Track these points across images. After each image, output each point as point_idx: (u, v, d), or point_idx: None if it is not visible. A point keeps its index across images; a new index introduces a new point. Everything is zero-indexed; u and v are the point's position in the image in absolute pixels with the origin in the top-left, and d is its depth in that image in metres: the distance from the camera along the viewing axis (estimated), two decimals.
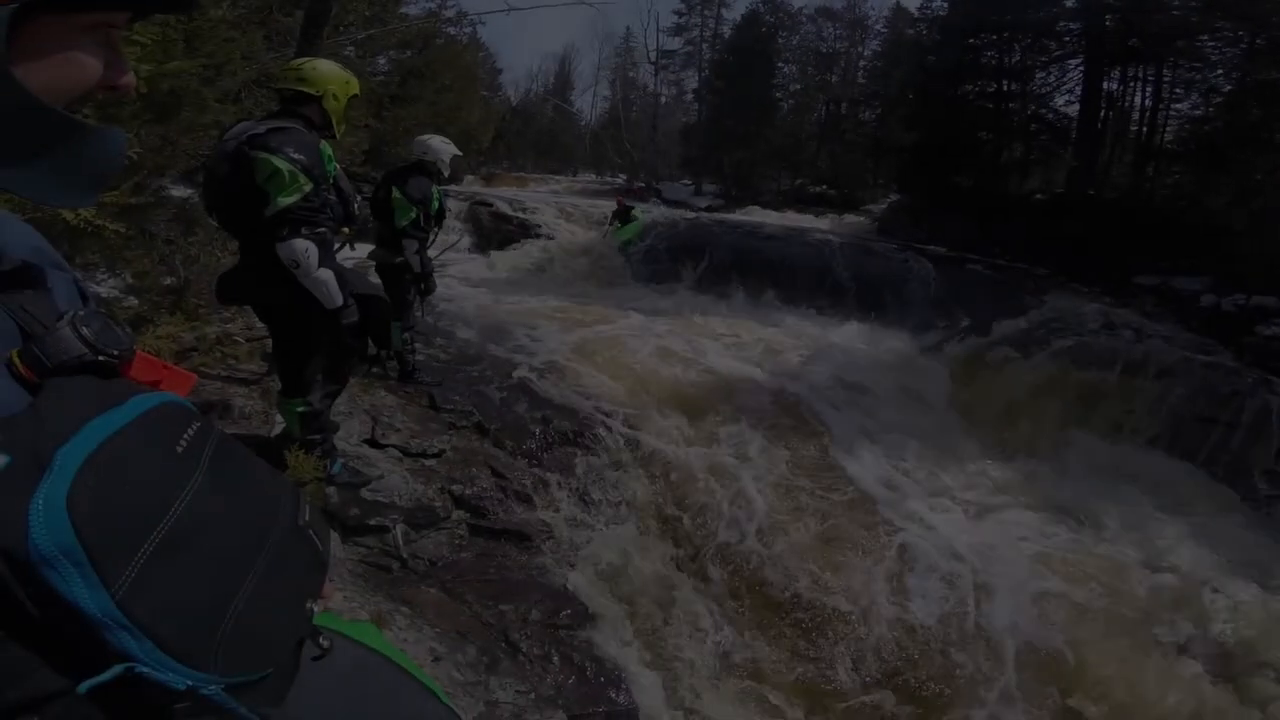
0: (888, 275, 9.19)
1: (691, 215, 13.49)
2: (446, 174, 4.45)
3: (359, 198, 2.94)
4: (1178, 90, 12.88)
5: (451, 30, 16.25)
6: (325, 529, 0.78)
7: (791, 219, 14.76)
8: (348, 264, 3.04)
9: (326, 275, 2.45)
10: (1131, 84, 13.79)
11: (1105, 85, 13.53)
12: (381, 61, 12.46)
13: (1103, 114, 13.72)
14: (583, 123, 37.59)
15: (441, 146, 4.33)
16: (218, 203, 2.55)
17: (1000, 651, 3.68)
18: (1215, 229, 9.03)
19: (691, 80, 29.99)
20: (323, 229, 2.43)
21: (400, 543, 3.29)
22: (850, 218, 15.64)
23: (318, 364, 2.75)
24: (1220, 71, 11.79)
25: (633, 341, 6.78)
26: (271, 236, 2.38)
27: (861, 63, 25.73)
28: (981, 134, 14.35)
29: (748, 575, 4.01)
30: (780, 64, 24.22)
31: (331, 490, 3.16)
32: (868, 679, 3.53)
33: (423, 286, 4.49)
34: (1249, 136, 9.83)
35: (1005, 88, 14.29)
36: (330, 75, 2.56)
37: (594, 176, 30.79)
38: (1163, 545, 4.82)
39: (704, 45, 27.93)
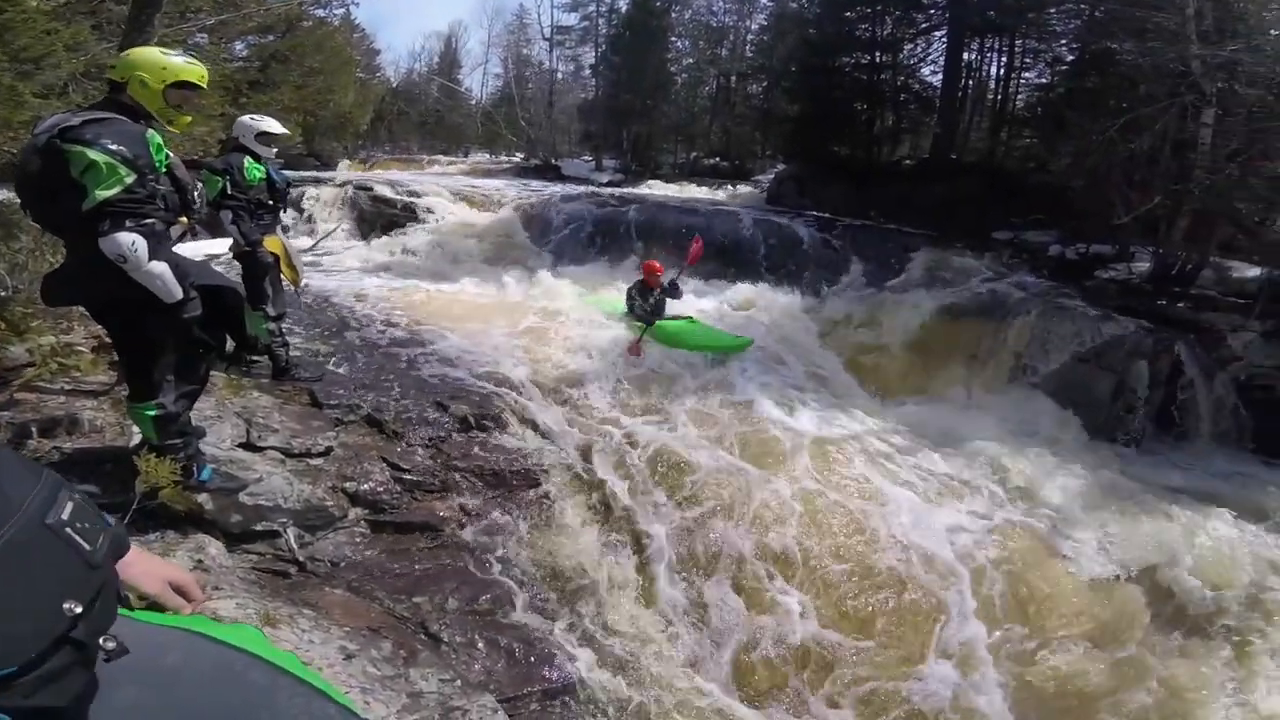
0: (778, 240, 9.58)
1: (592, 191, 13.39)
2: (262, 150, 4.23)
3: (198, 186, 2.77)
4: (1027, 60, 14.06)
5: (320, 12, 15.34)
6: (97, 527, 0.76)
7: (690, 191, 15.03)
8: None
9: (160, 268, 2.32)
10: (988, 55, 14.91)
11: (965, 56, 14.51)
12: (239, 47, 11.66)
13: (963, 83, 14.73)
14: (473, 101, 36.40)
15: (249, 123, 4.23)
16: (31, 199, 2.41)
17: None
18: (1059, 188, 10.00)
19: (588, 56, 29.62)
20: (151, 220, 2.30)
21: (294, 546, 3.17)
22: (743, 188, 16.12)
23: (166, 364, 2.59)
24: (1064, 42, 12.93)
25: (532, 321, 6.76)
26: (94, 231, 2.22)
27: (750, 36, 26.24)
28: (857, 105, 15.04)
29: (677, 538, 4.11)
30: (674, 38, 24.37)
31: (204, 497, 3.00)
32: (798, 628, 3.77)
33: (282, 273, 4.33)
34: (1087, 102, 10.86)
35: (878, 59, 15.00)
36: (140, 61, 2.44)
37: (487, 156, 30.03)
38: (1030, 475, 5.37)
39: (600, 20, 27.60)
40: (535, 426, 4.71)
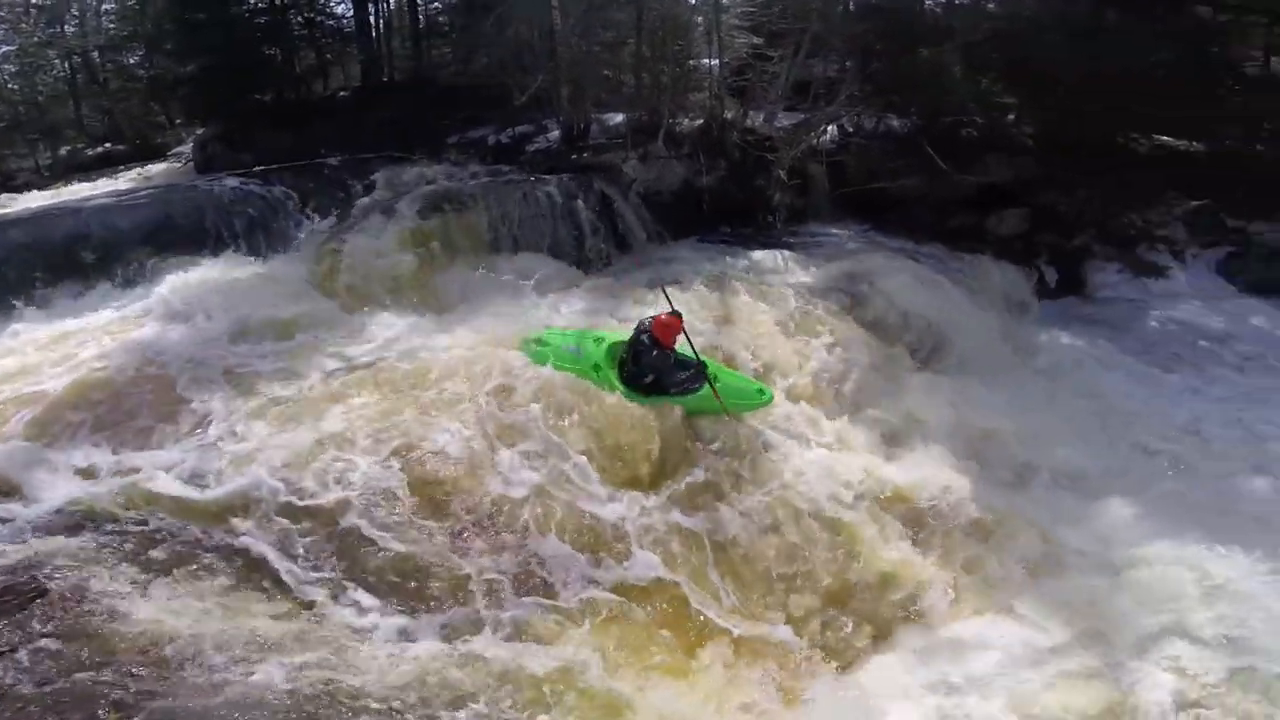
0: (211, 208, 8.32)
1: None
2: None
3: None
4: None
5: None
6: None
7: (78, 191, 11.67)
8: None
9: None
10: None
11: None
12: None
13: (375, 9, 14.87)
14: None
15: None
16: None
17: None
18: (478, 85, 11.22)
19: None
20: None
21: None
22: (156, 166, 13.54)
23: None
24: None
25: None
26: None
27: (106, 7, 21.11)
28: (267, 49, 13.87)
29: None
30: None
31: None
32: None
33: None
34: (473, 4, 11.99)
35: (279, 2, 13.94)
36: None
37: None
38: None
39: None
40: None
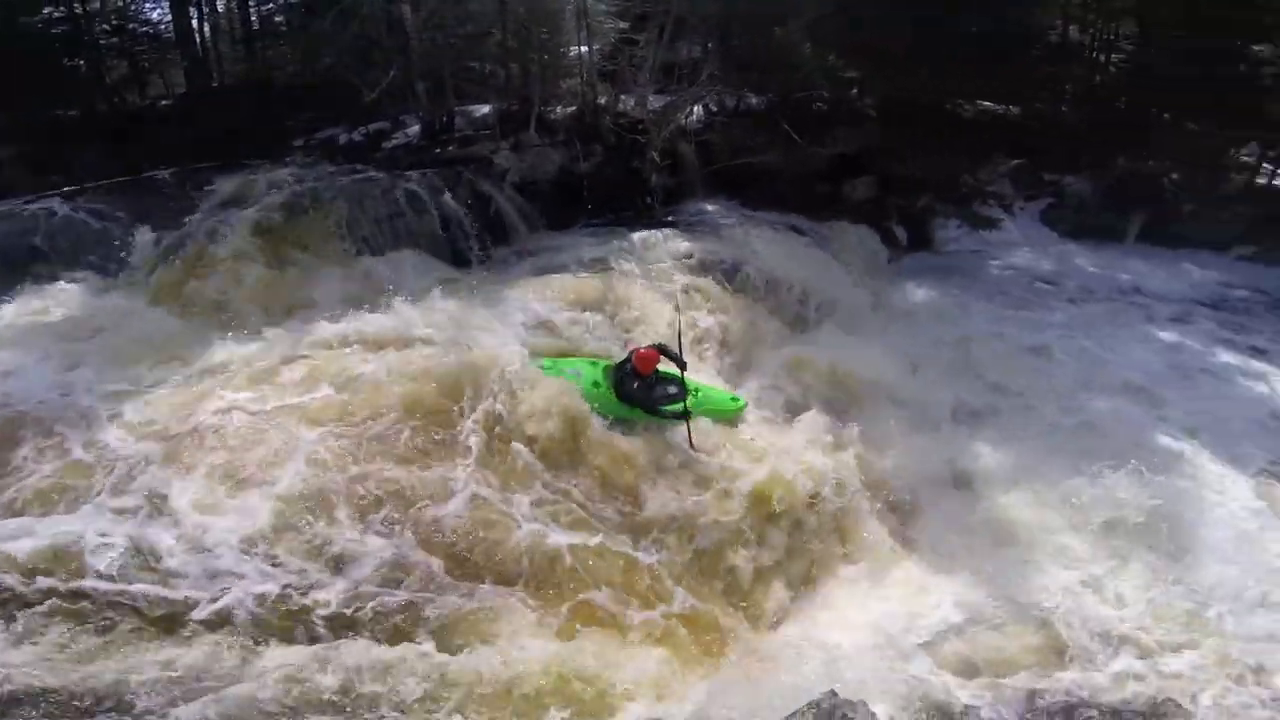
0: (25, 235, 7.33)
1: None
2: None
3: None
4: None
5: None
6: None
7: None
8: None
9: None
10: None
11: None
12: None
13: (198, 11, 13.49)
14: None
15: None
16: None
17: None
18: (323, 84, 10.54)
19: None
20: None
21: None
22: None
23: None
24: None
25: None
26: None
27: None
28: (67, 60, 12.31)
29: None
30: None
31: None
32: None
33: None
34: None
35: (80, 10, 12.31)
36: None
37: None
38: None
39: None
40: None
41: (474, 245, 8.36)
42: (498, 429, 4.97)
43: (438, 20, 9.57)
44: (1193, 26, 11.14)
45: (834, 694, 2.71)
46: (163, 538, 3.91)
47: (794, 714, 2.69)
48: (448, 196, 8.33)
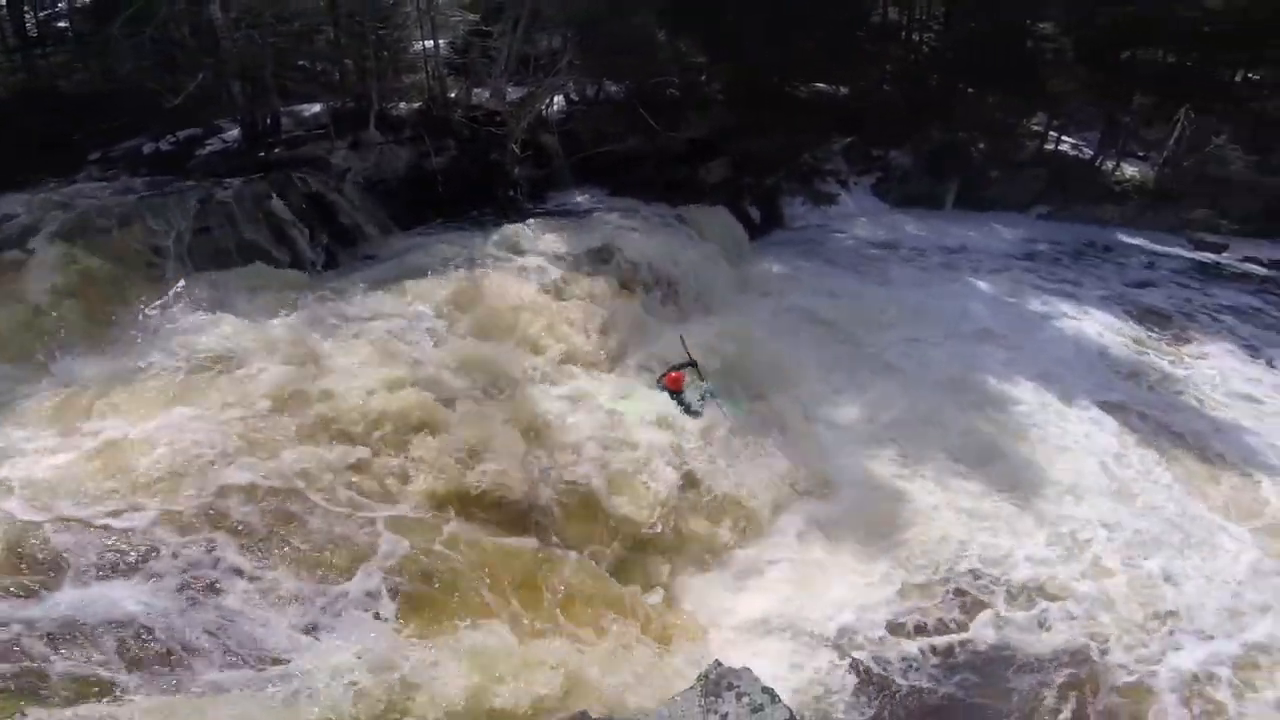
0: None
1: None
2: None
3: None
4: None
5: None
6: None
7: None
8: None
9: None
10: None
11: None
12: None
13: None
14: None
15: None
16: None
17: None
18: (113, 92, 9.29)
19: None
20: None
21: None
22: None
23: None
24: None
25: None
26: None
27: None
28: None
29: None
30: None
31: None
32: None
33: None
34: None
35: None
36: None
37: None
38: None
39: None
40: None
41: (314, 252, 7.69)
42: None
43: (253, 19, 8.68)
44: (989, 6, 12.51)
45: (718, 663, 2.74)
46: None
47: (687, 690, 2.68)
48: (276, 202, 7.58)
